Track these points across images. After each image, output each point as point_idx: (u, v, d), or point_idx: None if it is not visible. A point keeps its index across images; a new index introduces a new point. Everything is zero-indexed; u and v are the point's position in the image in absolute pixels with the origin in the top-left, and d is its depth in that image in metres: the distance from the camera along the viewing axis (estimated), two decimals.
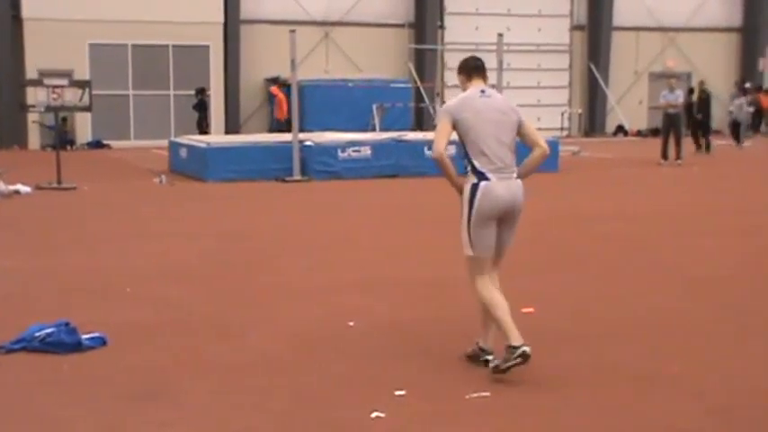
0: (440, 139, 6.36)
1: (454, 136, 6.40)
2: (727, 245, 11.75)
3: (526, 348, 6.05)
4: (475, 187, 6.27)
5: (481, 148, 6.28)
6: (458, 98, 6.54)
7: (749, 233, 12.66)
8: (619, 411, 5.61)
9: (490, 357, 6.33)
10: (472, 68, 6.64)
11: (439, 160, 6.36)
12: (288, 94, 25.31)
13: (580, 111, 38.32)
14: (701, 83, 29.98)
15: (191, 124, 29.75)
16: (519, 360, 6.04)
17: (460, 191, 6.39)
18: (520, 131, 6.45)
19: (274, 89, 30.70)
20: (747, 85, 33.72)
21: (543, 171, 22.56)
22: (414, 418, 5.47)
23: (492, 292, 6.33)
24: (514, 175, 6.36)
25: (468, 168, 6.37)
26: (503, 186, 6.27)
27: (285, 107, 28.82)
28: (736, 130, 31.09)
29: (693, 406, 5.67)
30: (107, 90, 29.78)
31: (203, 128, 30.06)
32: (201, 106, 30.09)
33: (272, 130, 30.12)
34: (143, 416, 5.55)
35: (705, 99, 28.73)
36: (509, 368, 6.07)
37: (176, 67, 32.25)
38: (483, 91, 6.47)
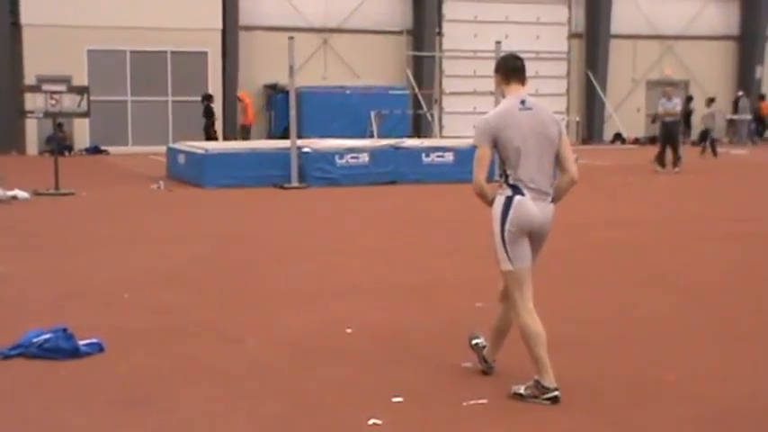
0: (480, 171, 5.93)
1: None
2: (723, 252, 11.76)
3: (557, 393, 5.81)
4: (509, 200, 5.92)
5: (523, 167, 5.89)
6: (496, 112, 6.02)
7: (744, 240, 12.67)
8: (616, 418, 5.61)
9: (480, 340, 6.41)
10: (511, 70, 6.10)
11: (480, 196, 6.07)
12: (283, 101, 25.25)
13: (578, 118, 38.32)
14: (666, 92, 29.63)
15: (189, 130, 29.74)
16: (547, 403, 5.79)
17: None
18: (557, 148, 6.03)
19: (242, 94, 30.54)
20: (714, 97, 33.00)
21: None
22: (411, 425, 5.47)
23: (536, 323, 5.95)
24: (549, 199, 6.07)
25: (503, 179, 5.99)
26: (538, 207, 5.96)
27: (251, 113, 28.77)
28: (703, 139, 30.50)
29: (690, 413, 5.67)
30: (105, 96, 29.76)
31: (211, 134, 30.11)
32: (208, 112, 30.16)
33: (237, 137, 29.83)
34: (139, 422, 5.54)
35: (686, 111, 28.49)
36: (528, 399, 5.85)
37: (175, 73, 32.24)
38: (523, 102, 5.96)
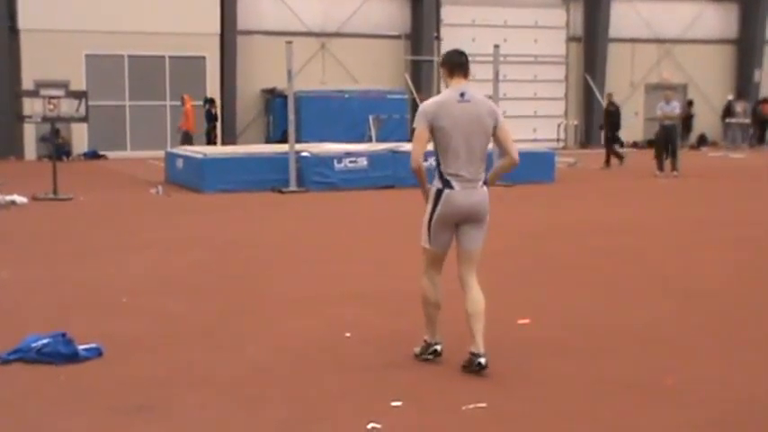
0: (418, 149, 6.54)
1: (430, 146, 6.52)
2: (722, 256, 11.77)
3: (438, 348, 6.82)
4: (439, 193, 6.55)
5: (452, 158, 6.45)
6: (435, 101, 6.57)
7: (744, 244, 12.68)
8: (615, 422, 5.61)
9: (438, 348, 6.87)
10: (455, 64, 6.62)
11: (416, 172, 6.61)
12: (281, 105, 24.94)
13: (576, 122, 38.35)
14: (609, 95, 29.53)
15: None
16: (431, 357, 6.79)
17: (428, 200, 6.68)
18: (495, 134, 6.56)
19: (187, 96, 29.39)
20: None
21: (540, 182, 22.64)
22: (410, 429, 5.47)
23: (436, 292, 6.84)
24: (479, 184, 6.55)
25: (436, 172, 6.57)
26: (464, 195, 6.49)
27: (191, 119, 27.98)
28: (620, 144, 29.81)
29: (689, 417, 5.67)
30: (103, 101, 29.77)
31: (211, 138, 30.05)
32: (209, 117, 30.15)
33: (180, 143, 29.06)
34: (138, 427, 5.54)
35: (614, 112, 27.96)
36: (422, 358, 6.82)
37: (173, 77, 32.23)
38: (462, 94, 6.49)
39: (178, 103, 31.66)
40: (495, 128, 6.53)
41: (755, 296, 9.34)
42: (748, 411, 5.81)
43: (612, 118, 27.76)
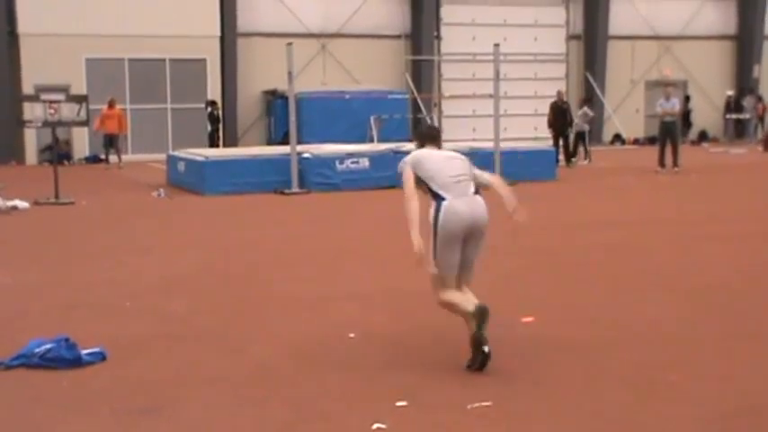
0: (408, 181, 6.81)
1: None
2: (724, 252, 11.76)
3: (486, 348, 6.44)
4: (438, 208, 6.67)
5: (440, 184, 6.73)
6: (415, 153, 7.05)
7: (746, 240, 12.68)
8: (619, 419, 5.60)
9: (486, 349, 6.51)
10: (426, 137, 7.28)
11: (409, 199, 6.74)
12: (282, 107, 24.91)
13: (577, 120, 38.33)
14: (559, 93, 29.39)
15: (188, 138, 29.78)
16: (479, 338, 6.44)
17: (416, 246, 6.65)
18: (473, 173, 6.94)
19: (112, 100, 28.85)
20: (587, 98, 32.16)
21: (542, 180, 22.61)
22: (415, 429, 5.46)
23: (455, 295, 6.74)
24: (472, 192, 6.75)
25: (429, 196, 6.77)
26: (462, 202, 6.65)
27: (111, 122, 27.89)
28: (581, 141, 29.26)
29: (692, 413, 5.66)
30: (104, 104, 29.77)
31: (215, 140, 30.05)
32: (212, 119, 30.17)
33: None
34: (143, 430, 5.54)
35: (563, 110, 27.72)
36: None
37: (173, 80, 32.26)
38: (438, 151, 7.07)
39: (179, 105, 31.75)
40: (470, 166, 6.99)
41: (758, 291, 9.33)
42: (752, 406, 5.80)
43: (563, 115, 27.66)
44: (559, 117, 27.46)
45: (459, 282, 6.82)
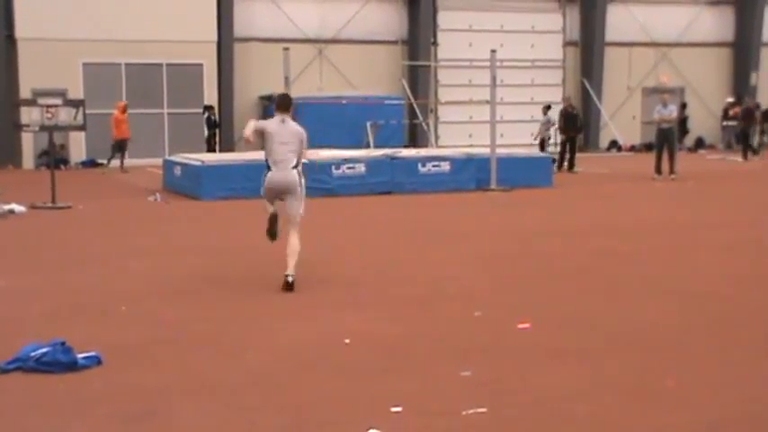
0: (249, 128, 10.26)
1: None
2: (721, 259, 11.78)
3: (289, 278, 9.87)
4: (265, 174, 10.18)
5: (270, 158, 10.13)
6: (266, 120, 10.72)
7: (742, 247, 12.70)
8: (615, 425, 5.61)
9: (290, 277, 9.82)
10: (277, 105, 10.49)
11: (246, 138, 10.34)
12: None
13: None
14: (568, 99, 29.33)
15: (185, 143, 29.74)
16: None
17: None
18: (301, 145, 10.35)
19: (124, 104, 28.86)
20: (551, 106, 32.06)
21: (538, 186, 22.59)
22: None
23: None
24: (290, 167, 10.16)
25: (265, 162, 10.21)
26: (279, 174, 10.12)
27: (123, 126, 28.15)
28: (542, 149, 29.00)
29: (689, 420, 5.67)
30: (101, 109, 29.72)
31: (212, 145, 29.97)
32: (210, 123, 30.10)
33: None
34: None
35: (573, 115, 27.89)
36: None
37: (170, 85, 32.24)
38: (283, 120, 10.27)
39: (176, 110, 31.73)
40: (301, 141, 10.35)
41: (754, 298, 9.35)
42: (748, 413, 5.81)
43: (573, 121, 27.76)
44: (569, 123, 27.56)
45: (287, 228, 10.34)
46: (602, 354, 7.21)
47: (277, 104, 10.52)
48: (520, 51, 36.47)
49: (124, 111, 28.72)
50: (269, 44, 32.68)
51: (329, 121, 30.73)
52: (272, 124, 10.22)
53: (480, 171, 21.42)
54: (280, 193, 10.18)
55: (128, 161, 29.09)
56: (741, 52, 40.24)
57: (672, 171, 23.87)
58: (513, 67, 35.36)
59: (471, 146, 29.48)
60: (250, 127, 10.19)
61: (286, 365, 6.95)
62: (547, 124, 29.80)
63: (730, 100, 37.79)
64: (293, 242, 10.09)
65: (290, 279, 9.77)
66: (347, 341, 7.62)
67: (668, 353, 7.23)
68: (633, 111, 39.17)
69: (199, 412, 5.90)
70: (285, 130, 10.17)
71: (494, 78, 22.38)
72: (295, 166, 10.18)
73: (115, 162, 28.52)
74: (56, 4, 30.29)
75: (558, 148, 28.45)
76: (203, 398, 6.18)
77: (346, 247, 13.12)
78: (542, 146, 29.50)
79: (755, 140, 36.01)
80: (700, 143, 39.09)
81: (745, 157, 31.23)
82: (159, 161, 25.34)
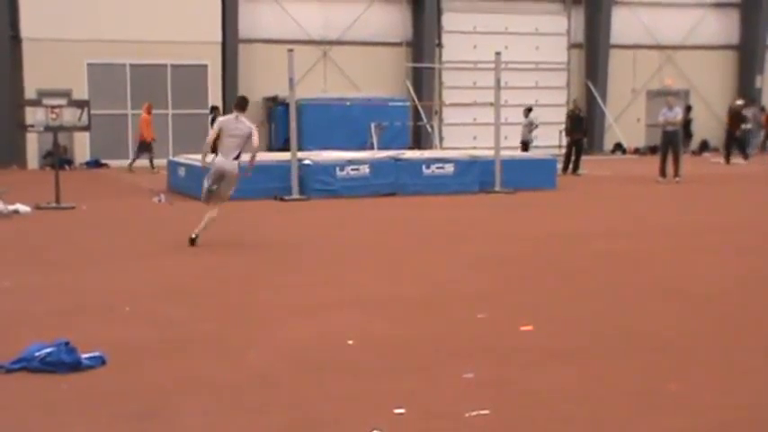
0: (212, 134, 13.34)
1: None
2: (723, 262, 11.78)
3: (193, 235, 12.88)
4: (213, 159, 12.95)
5: (219, 147, 12.88)
6: (223, 118, 13.62)
7: (744, 250, 12.68)
8: (618, 429, 5.61)
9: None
10: (235, 104, 13.24)
11: (207, 145, 13.43)
12: (283, 113, 24.97)
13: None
14: (575, 101, 29.30)
15: (189, 143, 29.77)
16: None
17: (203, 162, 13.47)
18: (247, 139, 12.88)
19: (149, 105, 29.47)
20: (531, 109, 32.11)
21: (542, 189, 22.60)
22: None
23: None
24: (232, 158, 12.87)
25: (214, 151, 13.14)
26: (224, 161, 12.84)
27: (146, 129, 28.61)
28: (525, 151, 29.08)
29: (691, 424, 5.67)
30: (105, 109, 29.80)
31: (217, 146, 29.97)
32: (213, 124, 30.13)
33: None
34: None
35: (580, 118, 28.01)
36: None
37: (174, 86, 32.28)
38: (237, 117, 12.93)
39: (180, 111, 31.77)
40: (248, 136, 12.84)
41: (758, 302, 9.34)
42: (751, 418, 5.81)
43: (580, 124, 27.80)
44: (576, 125, 27.58)
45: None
46: (606, 356, 7.21)
47: (235, 104, 13.27)
48: (524, 53, 36.50)
49: (149, 111, 28.84)
50: (273, 45, 32.73)
51: (333, 122, 30.81)
52: (228, 120, 13.01)
53: (484, 173, 21.43)
54: (220, 175, 12.87)
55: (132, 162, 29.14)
56: (746, 55, 40.19)
57: (676, 174, 23.87)
58: (517, 69, 35.38)
59: (475, 148, 29.50)
60: (214, 133, 13.27)
61: (289, 366, 6.96)
62: (529, 126, 29.79)
63: (740, 103, 37.66)
64: (212, 212, 12.97)
65: (193, 236, 12.83)
66: (350, 342, 7.62)
67: (671, 355, 7.22)
68: (638, 113, 39.16)
69: (202, 412, 5.91)
70: (236, 125, 12.81)
71: (498, 80, 22.39)
72: (236, 157, 12.85)
73: (142, 162, 28.55)
74: (61, 5, 30.35)
75: (564, 150, 28.48)
76: (206, 397, 6.19)
77: (349, 249, 13.13)
78: (525, 148, 29.48)
79: (754, 144, 36.11)
80: (704, 146, 39.04)
81: (727, 160, 31.23)
82: (163, 162, 25.35)
